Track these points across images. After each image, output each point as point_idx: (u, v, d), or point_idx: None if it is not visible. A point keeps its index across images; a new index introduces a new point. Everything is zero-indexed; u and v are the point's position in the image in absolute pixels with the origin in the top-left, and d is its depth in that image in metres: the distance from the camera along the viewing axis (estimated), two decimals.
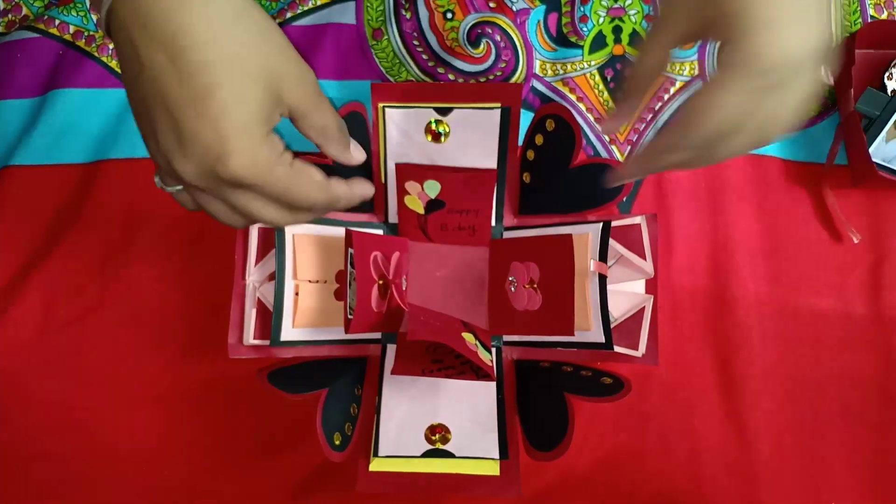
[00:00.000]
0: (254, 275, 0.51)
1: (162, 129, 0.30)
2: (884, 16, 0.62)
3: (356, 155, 0.40)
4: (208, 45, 0.29)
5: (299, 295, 0.50)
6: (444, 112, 0.49)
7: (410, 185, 0.50)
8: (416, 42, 0.61)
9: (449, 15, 0.61)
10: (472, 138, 0.50)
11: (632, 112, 0.38)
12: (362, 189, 0.41)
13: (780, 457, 0.56)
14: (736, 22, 0.30)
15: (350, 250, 0.49)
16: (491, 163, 0.51)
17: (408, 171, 0.50)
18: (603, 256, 0.49)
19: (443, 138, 0.50)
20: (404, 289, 0.52)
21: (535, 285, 0.51)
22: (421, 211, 0.52)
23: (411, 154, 0.50)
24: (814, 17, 0.30)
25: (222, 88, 0.30)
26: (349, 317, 0.48)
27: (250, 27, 0.31)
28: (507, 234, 0.54)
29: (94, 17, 0.60)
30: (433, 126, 0.49)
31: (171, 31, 0.29)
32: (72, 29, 0.60)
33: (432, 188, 0.51)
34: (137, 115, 0.32)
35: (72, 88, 0.59)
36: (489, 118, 0.49)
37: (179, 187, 0.35)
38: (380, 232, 0.54)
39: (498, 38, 0.60)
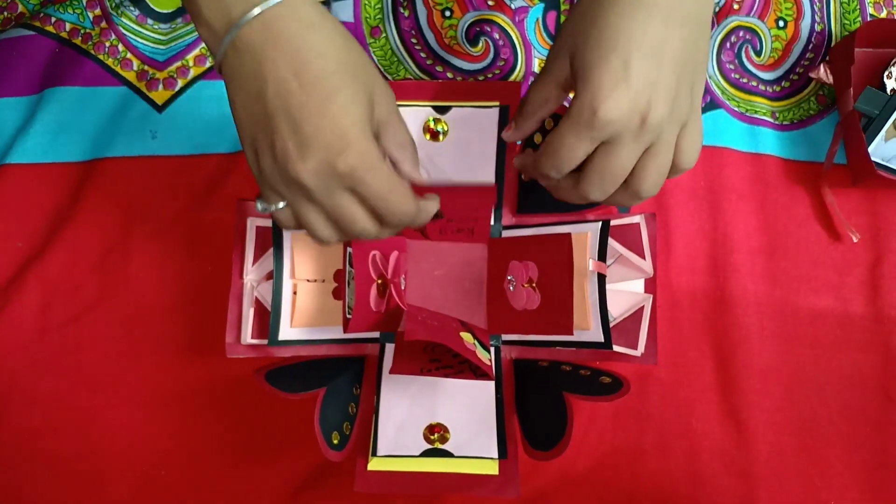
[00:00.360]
0: (251, 274, 0.51)
1: (282, 135, 0.35)
2: (883, 14, 0.62)
3: (424, 176, 0.43)
4: (327, 57, 0.35)
5: (297, 294, 0.50)
6: (442, 111, 0.48)
7: None
8: (414, 40, 0.60)
9: (447, 13, 0.60)
10: (471, 137, 0.49)
11: (527, 133, 0.43)
12: (436, 205, 0.44)
13: (778, 456, 0.56)
14: (578, 79, 0.36)
15: (349, 249, 0.48)
16: (489, 161, 0.50)
17: None
18: (602, 255, 0.49)
19: (441, 137, 0.49)
20: (403, 288, 0.52)
21: (534, 284, 0.51)
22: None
23: None
24: (624, 88, 0.34)
25: (341, 92, 0.35)
26: (348, 316, 0.48)
27: (355, 48, 0.37)
28: (506, 233, 0.54)
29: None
30: (431, 125, 0.49)
31: (296, 48, 0.34)
32: (68, 26, 0.60)
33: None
34: (254, 131, 0.36)
35: (68, 86, 0.59)
36: (488, 117, 0.48)
37: (282, 205, 0.38)
38: None
39: (496, 36, 0.60)
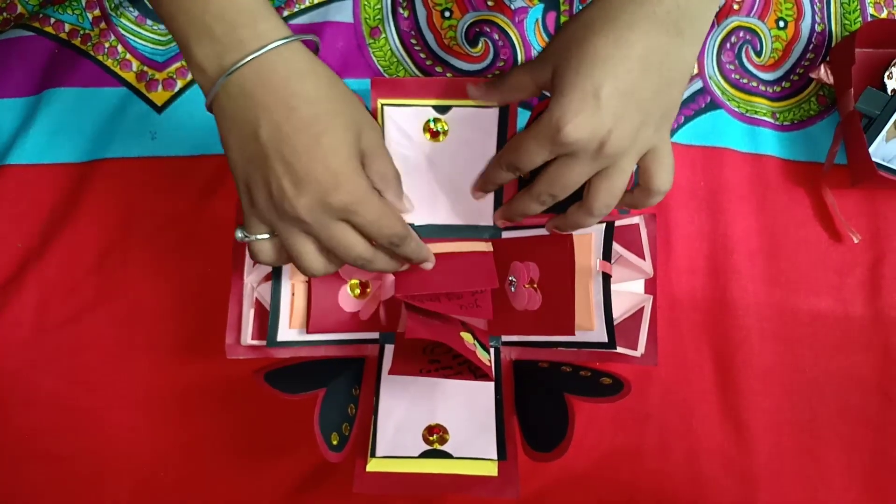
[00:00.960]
0: (251, 275, 0.51)
1: (277, 175, 0.37)
2: (883, 15, 0.62)
3: (408, 206, 0.47)
4: (315, 103, 0.37)
5: (295, 295, 0.50)
6: (442, 110, 0.48)
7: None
8: (413, 41, 0.60)
9: (447, 13, 0.60)
10: (471, 137, 0.49)
11: (488, 97, 0.46)
12: (428, 253, 0.47)
13: (778, 457, 0.56)
14: (554, 93, 0.39)
15: None
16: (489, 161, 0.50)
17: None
18: (607, 256, 0.49)
19: (441, 136, 0.49)
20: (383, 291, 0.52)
21: (535, 285, 0.51)
22: None
23: (410, 154, 0.49)
24: (590, 114, 0.37)
25: (329, 134, 0.37)
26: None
27: (340, 89, 0.39)
28: (507, 234, 0.54)
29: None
30: (431, 125, 0.49)
31: (286, 94, 0.36)
32: (67, 27, 0.60)
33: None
34: (248, 168, 0.38)
35: (67, 87, 0.59)
36: (488, 117, 0.48)
37: (264, 236, 0.41)
38: None
39: (496, 36, 0.60)
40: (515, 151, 0.42)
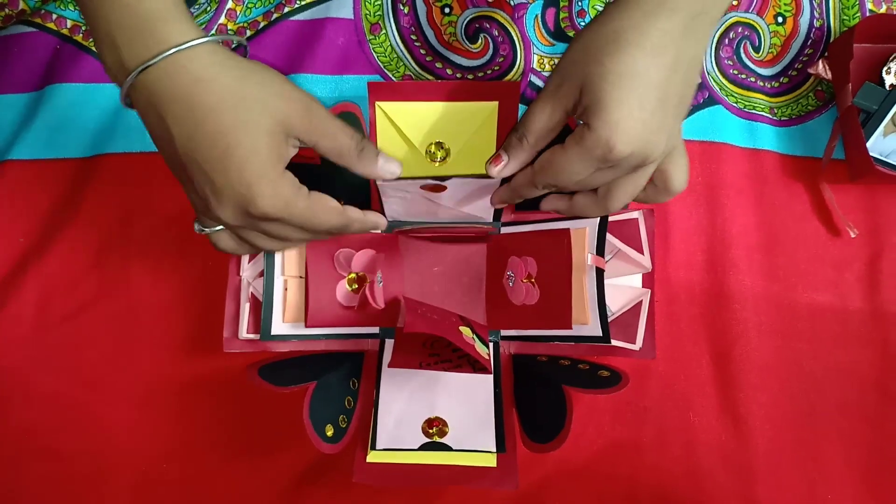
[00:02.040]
0: (247, 271, 0.52)
1: (198, 182, 0.37)
2: (882, 9, 0.62)
3: (388, 168, 0.43)
4: (221, 114, 0.35)
5: (288, 290, 0.51)
6: (440, 180, 0.47)
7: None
8: (413, 37, 0.60)
9: (447, 10, 0.61)
10: (472, 194, 0.49)
11: (524, 165, 0.43)
12: (376, 219, 0.46)
13: (776, 451, 0.56)
14: (593, 112, 0.37)
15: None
16: (489, 191, 0.50)
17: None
18: (600, 251, 0.49)
19: (440, 190, 0.49)
20: (379, 286, 0.52)
21: (533, 280, 0.51)
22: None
23: (408, 196, 0.49)
24: (640, 130, 0.37)
25: (238, 146, 0.36)
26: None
27: (252, 87, 0.36)
28: (505, 230, 0.54)
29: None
30: (430, 188, 0.49)
31: (190, 106, 0.35)
32: (69, 23, 0.60)
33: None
34: (174, 170, 0.39)
35: (69, 83, 0.59)
36: (490, 184, 0.48)
37: (219, 228, 0.41)
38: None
39: (496, 32, 0.60)
40: (557, 172, 0.40)
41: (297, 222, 0.39)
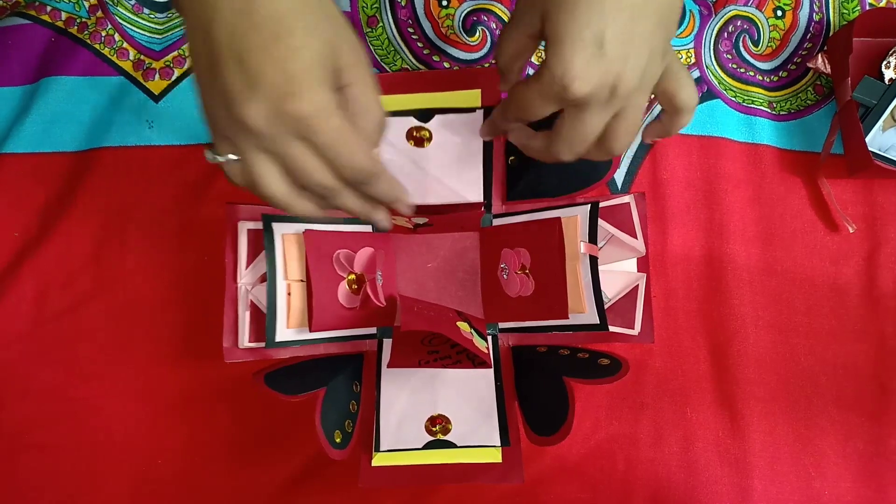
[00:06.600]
0: (245, 277, 0.51)
1: (229, 74, 0.33)
2: (882, 3, 0.62)
3: (385, 153, 0.43)
4: (277, 3, 0.32)
5: (291, 295, 0.50)
6: (424, 118, 0.48)
7: (398, 218, 0.50)
8: (410, 30, 0.60)
9: (444, 2, 0.60)
10: (455, 140, 0.49)
11: (513, 83, 0.42)
12: (401, 192, 0.41)
13: (773, 445, 0.56)
14: (550, 45, 0.35)
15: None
16: (476, 159, 0.50)
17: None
18: (592, 238, 0.49)
19: (426, 143, 0.49)
20: (379, 284, 0.52)
21: (527, 271, 0.51)
22: (409, 226, 0.52)
23: (396, 158, 0.49)
24: (595, 64, 0.34)
25: (290, 35, 0.33)
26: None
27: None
28: (497, 222, 0.54)
29: None
30: (415, 132, 0.49)
31: None
32: (64, 16, 0.60)
33: (420, 220, 0.51)
34: (203, 71, 0.35)
35: (64, 76, 0.59)
36: (472, 119, 0.48)
37: (233, 157, 0.36)
38: (369, 228, 0.54)
39: (493, 25, 0.60)
40: (521, 108, 0.39)
41: (327, 140, 0.35)
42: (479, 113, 0.48)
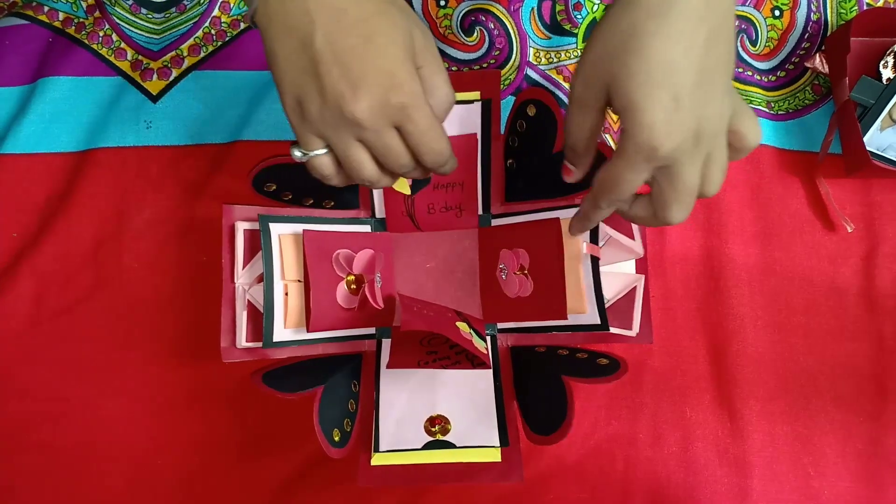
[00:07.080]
0: (242, 277, 0.50)
1: (332, 78, 0.36)
2: (880, 3, 0.62)
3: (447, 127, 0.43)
4: (363, 3, 0.36)
5: (289, 295, 0.50)
6: None
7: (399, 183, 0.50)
8: None
9: (442, 2, 0.60)
10: (454, 133, 0.49)
11: (588, 169, 0.42)
12: (455, 165, 0.44)
13: (771, 444, 0.56)
14: (628, 115, 0.35)
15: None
16: (473, 154, 0.50)
17: None
18: (594, 238, 0.49)
19: None
20: (378, 285, 0.51)
21: (526, 271, 0.51)
22: (407, 191, 0.52)
23: None
24: (678, 121, 0.35)
25: (380, 34, 0.36)
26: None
27: None
28: (496, 222, 0.54)
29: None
30: None
31: None
32: (61, 16, 0.60)
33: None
34: (299, 81, 0.37)
35: (62, 76, 0.59)
36: (470, 112, 0.48)
37: (323, 151, 0.39)
38: (367, 228, 0.53)
39: (491, 25, 0.60)
40: (613, 187, 0.39)
41: (421, 127, 0.38)
42: (478, 105, 0.47)
